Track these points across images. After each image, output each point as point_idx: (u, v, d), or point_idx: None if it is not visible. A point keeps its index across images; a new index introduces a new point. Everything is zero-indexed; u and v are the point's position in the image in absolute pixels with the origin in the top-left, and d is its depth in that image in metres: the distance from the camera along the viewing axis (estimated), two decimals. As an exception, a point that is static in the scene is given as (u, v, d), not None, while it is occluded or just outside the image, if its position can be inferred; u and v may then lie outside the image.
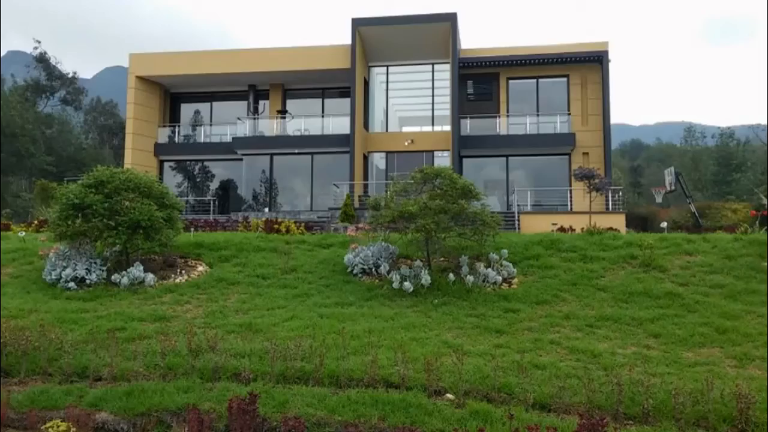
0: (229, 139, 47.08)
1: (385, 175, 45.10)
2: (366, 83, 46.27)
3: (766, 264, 19.54)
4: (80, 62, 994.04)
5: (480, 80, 46.24)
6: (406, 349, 12.29)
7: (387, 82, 47.74)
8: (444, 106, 46.24)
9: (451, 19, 42.90)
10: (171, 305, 17.24)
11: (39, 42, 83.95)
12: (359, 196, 41.36)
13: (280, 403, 10.12)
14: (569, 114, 43.99)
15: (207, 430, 9.04)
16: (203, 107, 50.88)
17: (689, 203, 42.57)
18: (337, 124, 45.15)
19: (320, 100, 48.51)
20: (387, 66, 47.34)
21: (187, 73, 46.91)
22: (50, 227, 20.80)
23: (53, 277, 19.24)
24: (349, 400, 10.28)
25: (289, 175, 46.27)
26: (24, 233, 27.02)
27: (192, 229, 28.36)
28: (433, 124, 47.14)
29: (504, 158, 44.31)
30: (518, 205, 40.04)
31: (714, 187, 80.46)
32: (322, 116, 46.95)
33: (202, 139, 49.49)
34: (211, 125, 50.03)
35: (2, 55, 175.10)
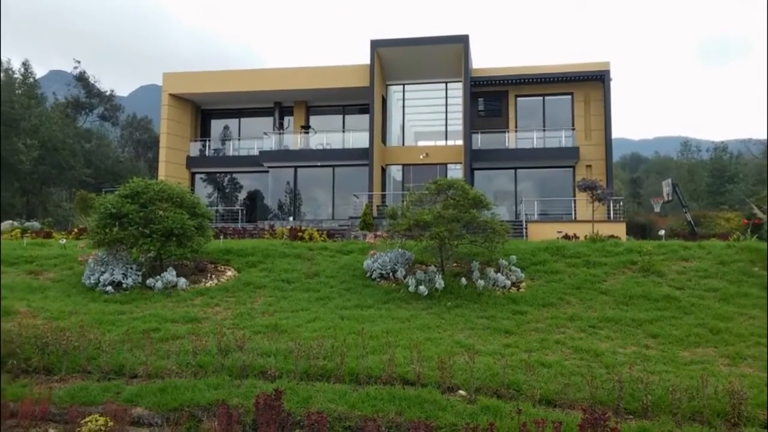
0: (256, 152, 47.15)
1: (402, 186, 45.11)
2: (384, 100, 46.32)
3: (756, 269, 19.53)
4: (117, 81, 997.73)
5: (490, 97, 46.22)
6: (421, 349, 12.31)
7: (403, 99, 47.76)
8: (456, 122, 46.18)
9: (463, 40, 42.94)
10: (202, 307, 17.30)
11: (79, 62, 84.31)
12: (377, 206, 41.36)
13: (304, 399, 10.16)
14: (573, 129, 43.91)
15: (235, 424, 9.07)
16: (232, 122, 50.99)
17: (685, 212, 42.45)
18: (357, 138, 45.19)
19: (341, 116, 48.58)
20: (403, 84, 47.38)
21: (216, 90, 47.05)
22: (89, 235, 20.92)
23: (92, 281, 19.34)
24: (368, 396, 10.32)
25: (312, 186, 46.33)
26: (65, 240, 27.16)
27: (221, 237, 28.46)
28: (446, 139, 47.11)
29: (513, 170, 44.26)
30: (526, 214, 40.00)
31: (708, 198, 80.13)
32: (343, 131, 46.99)
33: (230, 153, 49.59)
34: (239, 139, 50.13)
35: (44, 74, 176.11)
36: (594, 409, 8.93)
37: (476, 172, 44.23)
